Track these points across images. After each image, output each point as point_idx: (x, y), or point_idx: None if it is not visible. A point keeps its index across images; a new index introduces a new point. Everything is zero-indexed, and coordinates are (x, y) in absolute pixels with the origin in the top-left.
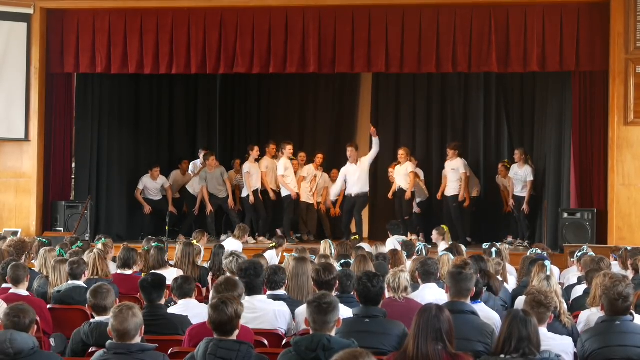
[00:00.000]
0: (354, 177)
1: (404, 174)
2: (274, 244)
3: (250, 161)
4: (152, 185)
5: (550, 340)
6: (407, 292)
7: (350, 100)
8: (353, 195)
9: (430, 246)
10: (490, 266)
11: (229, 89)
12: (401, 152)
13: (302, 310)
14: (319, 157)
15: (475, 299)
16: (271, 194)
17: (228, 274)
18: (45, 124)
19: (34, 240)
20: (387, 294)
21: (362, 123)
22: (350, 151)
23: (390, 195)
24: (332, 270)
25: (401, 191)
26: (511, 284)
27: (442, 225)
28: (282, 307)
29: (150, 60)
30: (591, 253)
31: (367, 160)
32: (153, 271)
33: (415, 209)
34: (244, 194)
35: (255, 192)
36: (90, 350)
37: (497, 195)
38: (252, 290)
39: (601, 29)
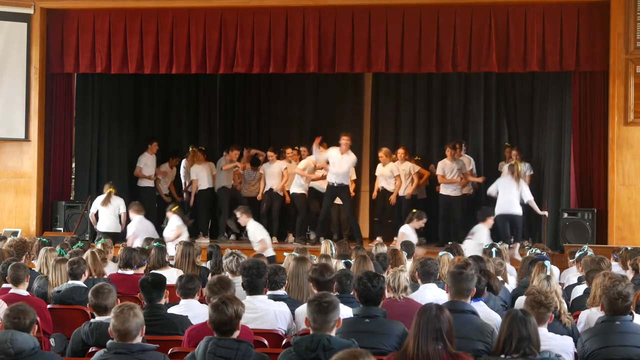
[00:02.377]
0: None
1: (387, 176)
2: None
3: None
4: (152, 163)
5: (550, 340)
6: (407, 292)
7: (353, 101)
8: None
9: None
10: (490, 266)
11: (229, 88)
12: (380, 154)
13: (302, 310)
14: None
15: (477, 297)
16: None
17: (228, 274)
18: (45, 124)
19: (34, 240)
20: (387, 294)
21: (365, 123)
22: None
23: (374, 194)
24: (331, 270)
25: (385, 191)
26: (511, 284)
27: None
28: (283, 307)
29: (150, 60)
30: (591, 253)
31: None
32: (153, 271)
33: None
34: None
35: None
36: (90, 350)
37: None
38: (253, 290)
39: (601, 29)
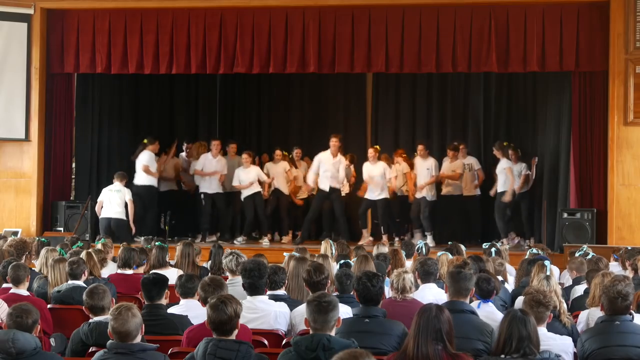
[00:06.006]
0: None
1: (378, 174)
2: None
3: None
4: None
5: (550, 340)
6: (412, 291)
7: (353, 101)
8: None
9: (431, 245)
10: (490, 266)
11: (229, 88)
12: (371, 151)
13: (301, 310)
14: None
15: (486, 298)
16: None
17: (228, 273)
18: (45, 124)
19: (34, 240)
20: (390, 294)
21: (366, 123)
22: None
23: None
24: (323, 270)
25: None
26: (511, 283)
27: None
28: (283, 308)
29: (150, 60)
30: (592, 253)
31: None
32: (154, 271)
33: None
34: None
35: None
36: (90, 350)
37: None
38: (254, 291)
39: (601, 29)
